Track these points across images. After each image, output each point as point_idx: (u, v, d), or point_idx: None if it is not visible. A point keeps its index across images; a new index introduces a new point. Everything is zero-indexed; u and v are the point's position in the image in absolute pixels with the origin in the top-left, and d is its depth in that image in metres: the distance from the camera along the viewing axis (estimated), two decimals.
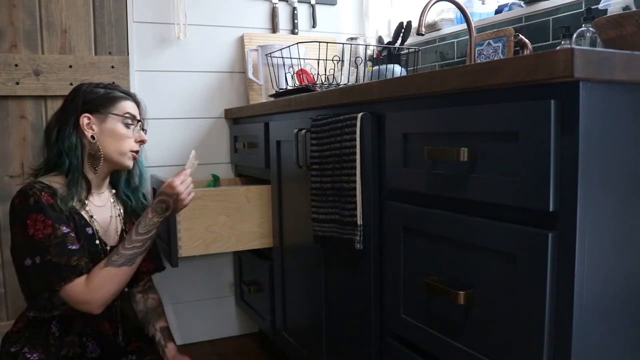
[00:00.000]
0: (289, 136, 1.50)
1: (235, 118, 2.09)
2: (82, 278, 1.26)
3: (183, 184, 1.36)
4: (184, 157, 2.08)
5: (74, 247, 1.26)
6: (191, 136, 2.10)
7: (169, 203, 1.34)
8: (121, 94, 1.42)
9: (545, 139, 0.73)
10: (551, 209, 0.73)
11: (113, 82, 1.49)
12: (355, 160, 1.14)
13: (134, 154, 1.42)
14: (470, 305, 0.88)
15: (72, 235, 1.28)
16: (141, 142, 1.44)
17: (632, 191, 0.77)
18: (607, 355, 0.78)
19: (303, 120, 1.43)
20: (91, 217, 1.37)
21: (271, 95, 1.83)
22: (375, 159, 1.14)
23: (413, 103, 1.03)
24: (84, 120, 1.35)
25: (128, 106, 1.41)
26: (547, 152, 0.73)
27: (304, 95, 1.42)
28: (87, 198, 1.38)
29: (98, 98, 1.38)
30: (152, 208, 1.34)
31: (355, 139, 1.14)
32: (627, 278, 0.78)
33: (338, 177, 1.20)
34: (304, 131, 1.36)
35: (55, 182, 1.33)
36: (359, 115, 1.13)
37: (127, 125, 1.40)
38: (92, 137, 1.36)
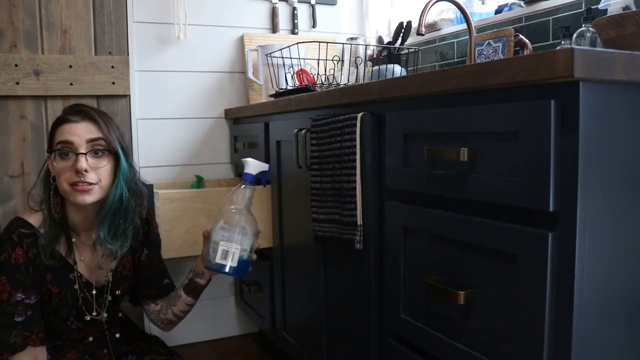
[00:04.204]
0: (289, 136, 1.50)
1: (235, 118, 2.09)
2: (15, 356, 1.17)
3: None
4: (184, 157, 2.08)
5: (19, 319, 1.18)
6: (191, 136, 2.10)
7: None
8: (60, 118, 1.22)
9: (545, 139, 0.73)
10: (551, 209, 0.73)
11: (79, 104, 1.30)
12: (355, 160, 1.14)
13: (74, 186, 1.17)
14: (470, 305, 0.88)
15: (28, 302, 1.19)
16: (77, 172, 1.16)
17: (632, 191, 0.77)
18: (607, 355, 0.78)
19: (303, 120, 1.43)
20: (75, 261, 1.27)
21: (271, 95, 1.83)
22: (375, 158, 1.14)
23: (413, 103, 1.03)
24: (49, 161, 1.21)
25: (62, 132, 1.19)
26: (547, 152, 0.73)
27: (304, 95, 1.42)
28: (71, 239, 1.27)
29: (50, 130, 1.23)
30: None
31: (355, 139, 1.14)
32: (626, 278, 0.78)
33: (338, 177, 1.20)
34: (304, 131, 1.36)
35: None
36: (359, 115, 1.13)
37: (62, 156, 1.18)
38: (53, 178, 1.21)
